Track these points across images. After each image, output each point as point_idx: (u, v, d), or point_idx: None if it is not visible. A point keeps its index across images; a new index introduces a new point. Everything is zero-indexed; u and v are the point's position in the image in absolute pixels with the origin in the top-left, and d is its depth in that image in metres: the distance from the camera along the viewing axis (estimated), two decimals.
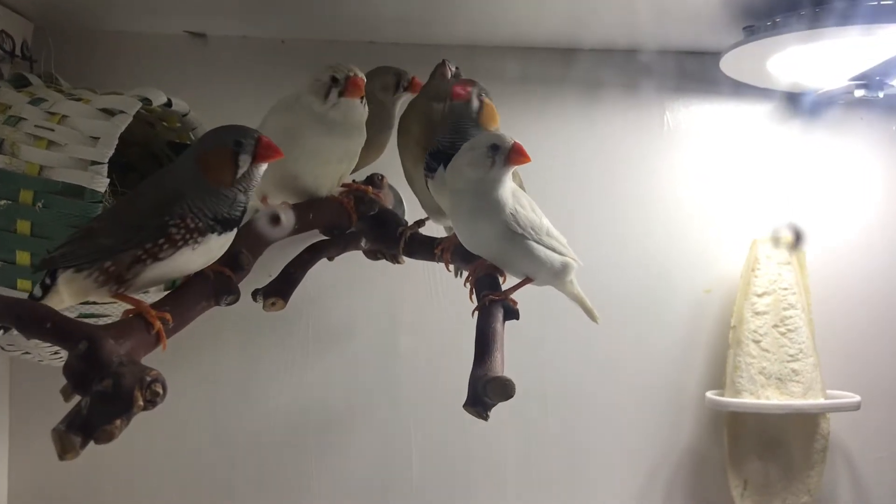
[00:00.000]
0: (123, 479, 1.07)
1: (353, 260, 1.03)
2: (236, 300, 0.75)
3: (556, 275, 0.84)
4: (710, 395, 1.09)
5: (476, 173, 0.79)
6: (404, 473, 1.11)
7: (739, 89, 1.13)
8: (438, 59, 0.95)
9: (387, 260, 1.02)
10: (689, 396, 1.14)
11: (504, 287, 0.84)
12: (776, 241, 1.10)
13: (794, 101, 1.16)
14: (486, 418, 0.71)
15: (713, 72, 1.08)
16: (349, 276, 1.10)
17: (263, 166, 0.72)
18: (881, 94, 0.99)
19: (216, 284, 0.74)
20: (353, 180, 1.00)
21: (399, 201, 1.11)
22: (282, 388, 1.10)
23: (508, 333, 1.09)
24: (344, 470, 1.11)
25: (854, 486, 1.16)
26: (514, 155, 0.79)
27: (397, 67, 1.00)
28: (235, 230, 0.72)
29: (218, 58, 1.11)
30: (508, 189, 0.81)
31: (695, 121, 1.16)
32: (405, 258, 0.99)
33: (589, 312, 0.90)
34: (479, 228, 0.81)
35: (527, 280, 0.84)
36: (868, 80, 0.98)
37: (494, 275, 0.85)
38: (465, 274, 0.88)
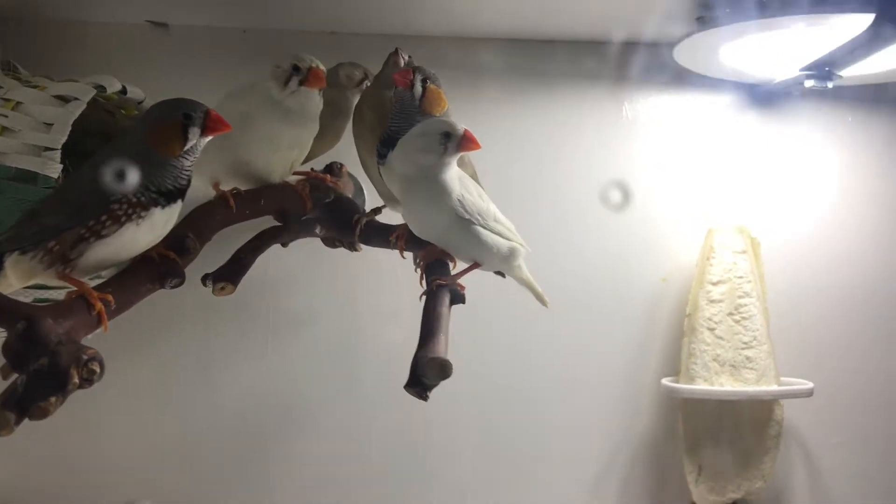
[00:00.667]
0: (78, 463, 1.08)
1: (315, 247, 1.05)
2: (181, 283, 0.76)
3: (504, 259, 0.86)
4: (665, 381, 1.10)
5: (426, 160, 0.80)
6: (363, 460, 1.13)
7: (696, 80, 1.14)
8: (402, 49, 0.96)
9: (345, 248, 1.03)
10: (645, 384, 1.15)
11: (454, 272, 0.85)
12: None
13: (749, 92, 1.17)
14: (425, 398, 0.72)
15: (670, 63, 1.09)
16: (311, 263, 1.11)
17: (209, 139, 0.73)
18: (830, 85, 1.01)
19: (161, 267, 0.75)
20: (312, 168, 1.01)
21: (360, 190, 1.12)
22: (241, 374, 1.11)
23: (467, 321, 1.11)
24: (303, 457, 1.12)
25: (809, 472, 1.17)
26: (465, 142, 0.80)
27: (366, 67, 1.01)
28: (180, 203, 0.73)
29: (180, 48, 1.11)
30: (455, 175, 0.82)
31: (653, 112, 1.18)
32: (362, 246, 1.00)
33: (539, 297, 0.91)
34: (427, 214, 0.82)
35: (475, 265, 0.85)
36: (817, 71, 1.00)
37: (444, 260, 0.86)
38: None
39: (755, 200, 1.17)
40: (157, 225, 0.71)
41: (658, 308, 1.16)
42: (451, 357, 1.07)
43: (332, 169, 1.06)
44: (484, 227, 0.83)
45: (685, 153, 1.18)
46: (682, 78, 1.14)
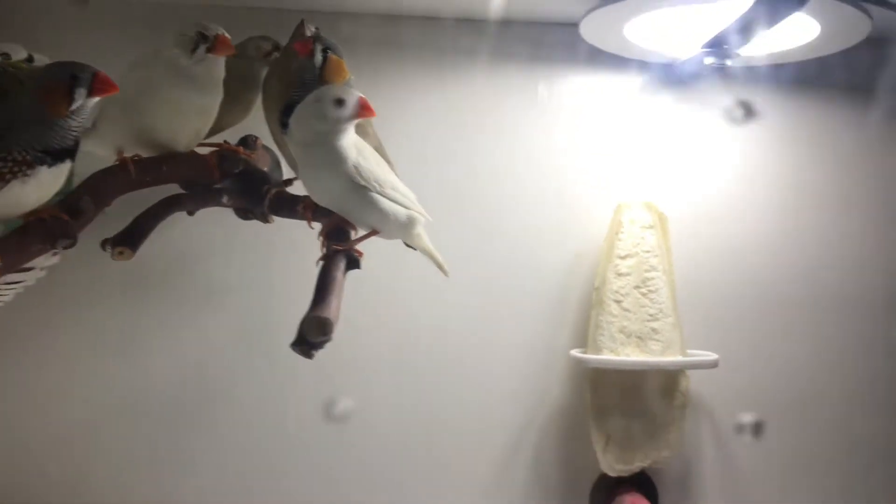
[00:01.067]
0: None
1: (235, 220, 1.05)
2: (73, 244, 0.77)
3: (403, 227, 0.88)
4: (573, 352, 1.13)
5: (321, 126, 0.82)
6: (282, 432, 1.14)
7: (608, 60, 1.16)
8: (317, 25, 0.97)
9: (257, 219, 1.04)
10: (557, 357, 1.18)
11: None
12: None
13: (660, 71, 1.20)
14: (310, 357, 0.74)
15: (581, 42, 1.12)
16: (229, 235, 1.12)
17: (96, 100, 0.75)
18: (729, 63, 1.04)
19: (54, 228, 0.76)
20: (225, 141, 1.02)
21: (276, 164, 1.12)
22: (161, 346, 1.12)
23: (375, 290, 1.14)
24: (222, 431, 1.13)
25: (715, 441, 1.21)
26: (360, 109, 0.82)
27: (276, 40, 1.02)
28: (69, 163, 0.74)
29: (99, 21, 1.11)
30: (351, 143, 0.84)
31: (564, 90, 1.20)
32: (275, 217, 1.01)
33: (440, 266, 0.93)
34: (323, 180, 0.84)
35: (373, 232, 0.87)
36: (716, 48, 1.03)
37: (345, 228, 0.88)
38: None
39: (664, 177, 1.20)
40: (43, 184, 0.73)
41: (571, 282, 1.19)
42: (361, 331, 1.12)
43: (247, 142, 1.07)
44: (381, 195, 0.84)
45: (597, 131, 1.20)
46: (595, 58, 1.16)
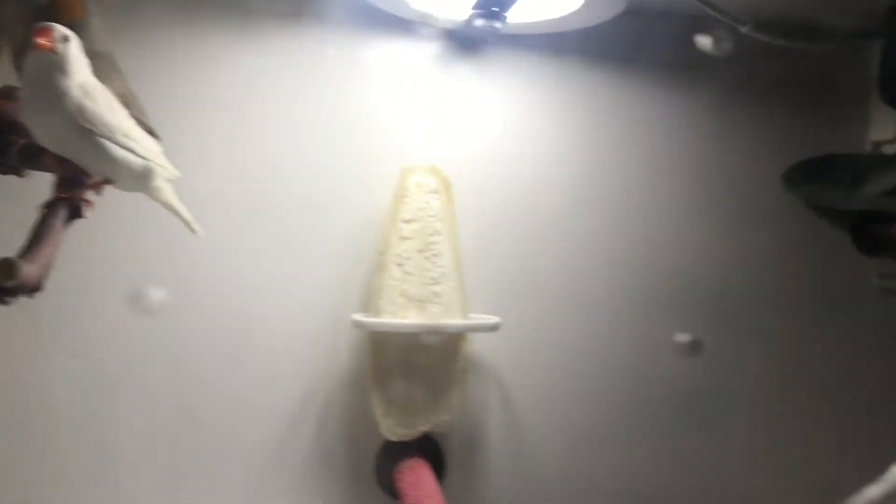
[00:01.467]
0: None
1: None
2: None
3: (138, 178, 0.84)
4: (354, 316, 1.12)
5: (40, 61, 0.78)
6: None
7: (396, 24, 1.16)
8: None
9: (11, 174, 0.99)
10: (346, 323, 1.16)
11: None
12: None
13: (448, 37, 1.19)
14: (5, 303, 0.70)
15: (369, 7, 1.10)
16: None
17: None
18: (499, 25, 1.04)
19: None
20: None
21: None
22: None
23: (152, 257, 1.09)
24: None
25: (501, 404, 1.22)
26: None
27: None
28: None
29: None
30: (77, 83, 0.80)
31: (355, 55, 1.18)
32: (28, 172, 0.96)
33: (187, 224, 0.90)
34: (45, 120, 0.79)
35: (106, 181, 0.83)
36: (485, 10, 1.03)
37: (79, 176, 0.84)
38: None
39: (452, 143, 1.20)
40: None
41: (360, 247, 1.17)
42: (143, 302, 1.07)
43: (5, 92, 1.02)
44: (109, 140, 0.81)
45: (387, 97, 1.19)
46: (387, 23, 1.15)
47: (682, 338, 1.25)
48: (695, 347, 1.25)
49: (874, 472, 0.83)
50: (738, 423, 1.28)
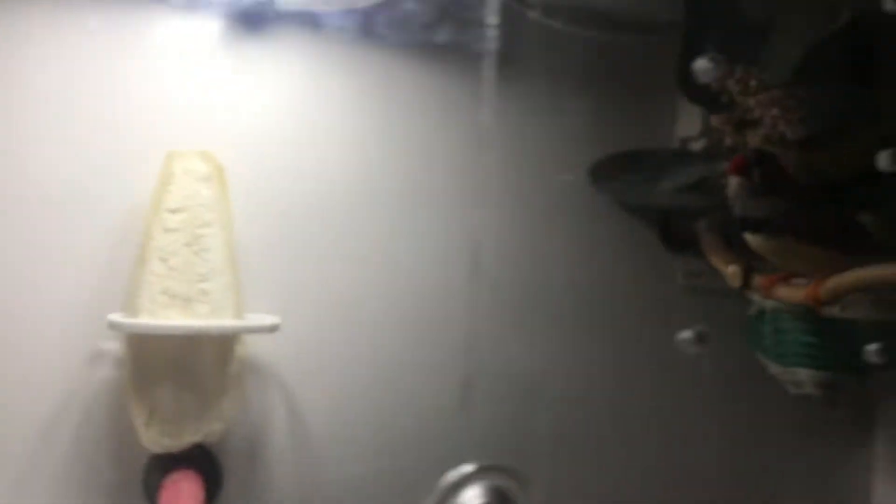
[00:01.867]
0: None
1: None
2: None
3: None
4: (110, 317, 1.01)
5: None
6: None
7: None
8: None
9: None
10: (106, 325, 1.05)
11: None
12: None
13: (231, 15, 1.10)
14: None
15: None
16: None
17: None
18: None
19: None
20: None
21: None
22: None
23: None
24: None
25: (283, 409, 1.13)
26: None
27: None
28: None
29: None
30: None
31: (119, 29, 1.07)
32: None
33: None
34: None
35: None
36: None
37: None
38: None
39: (224, 127, 1.11)
40: None
41: (124, 240, 1.06)
42: None
43: None
44: None
45: (155, 76, 1.08)
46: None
47: (686, 334, 1.18)
48: (702, 339, 1.18)
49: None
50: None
